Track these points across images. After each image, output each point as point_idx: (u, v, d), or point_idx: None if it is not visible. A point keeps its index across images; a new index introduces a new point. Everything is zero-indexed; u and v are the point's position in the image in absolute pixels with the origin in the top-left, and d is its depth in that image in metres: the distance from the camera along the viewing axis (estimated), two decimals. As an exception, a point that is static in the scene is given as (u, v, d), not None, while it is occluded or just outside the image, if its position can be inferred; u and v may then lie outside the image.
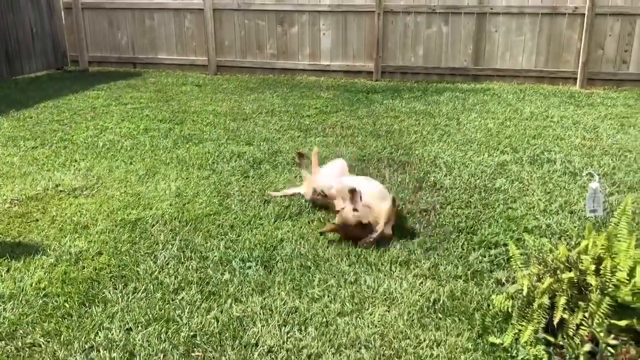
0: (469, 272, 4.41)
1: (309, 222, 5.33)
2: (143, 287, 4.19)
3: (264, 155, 7.37)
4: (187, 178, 6.58)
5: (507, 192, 6.04)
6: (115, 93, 11.64)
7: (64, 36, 14.68)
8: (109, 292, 4.14)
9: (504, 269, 4.45)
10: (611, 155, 7.31)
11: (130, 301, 4.03)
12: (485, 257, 4.65)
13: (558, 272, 3.27)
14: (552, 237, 4.97)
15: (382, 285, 4.20)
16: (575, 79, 12.02)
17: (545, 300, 3.16)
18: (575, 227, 5.17)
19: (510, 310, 3.47)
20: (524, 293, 3.32)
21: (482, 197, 5.89)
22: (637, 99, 10.73)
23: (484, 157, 7.21)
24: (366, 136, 8.34)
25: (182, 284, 4.24)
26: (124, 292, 4.15)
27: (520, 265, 3.62)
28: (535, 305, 3.17)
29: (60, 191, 6.18)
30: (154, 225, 5.27)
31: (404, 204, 5.76)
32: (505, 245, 4.81)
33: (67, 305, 3.97)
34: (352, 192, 4.92)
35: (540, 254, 3.54)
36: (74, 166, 7.05)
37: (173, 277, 4.35)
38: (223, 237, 5.02)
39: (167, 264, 4.56)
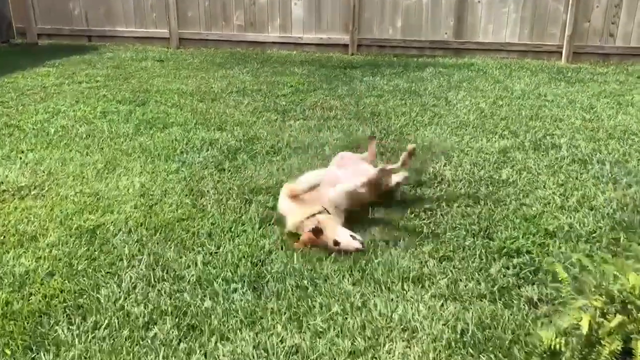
0: (494, 289, 3.76)
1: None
2: (106, 322, 3.41)
3: (239, 143, 6.56)
4: (153, 172, 5.73)
5: (516, 185, 5.40)
6: (68, 70, 10.55)
7: (8, 5, 13.32)
8: (63, 331, 3.34)
9: (532, 284, 3.82)
10: (617, 139, 6.75)
11: (90, 342, 3.25)
12: (508, 268, 4.00)
13: (631, 307, 2.63)
14: (579, 241, 4.35)
15: (396, 310, 3.52)
16: (561, 53, 11.48)
17: (618, 345, 2.52)
18: (601, 227, 4.56)
19: (562, 348, 2.82)
20: (584, 332, 2.66)
21: (490, 192, 5.23)
22: (627, 75, 10.23)
23: (482, 143, 6.56)
24: (350, 119, 7.59)
25: (154, 316, 3.47)
26: (81, 328, 3.36)
27: (571, 294, 2.96)
28: (606, 351, 2.52)
29: (3, 191, 5.28)
30: (116, 235, 4.45)
31: (404, 202, 5.07)
32: (528, 253, 4.18)
33: (8, 352, 3.16)
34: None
35: (599, 281, 2.88)
36: (20, 159, 6.11)
37: (142, 305, 3.57)
38: (200, 249, 4.24)
39: (134, 288, 3.77)
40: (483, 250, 4.23)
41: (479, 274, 3.94)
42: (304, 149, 6.34)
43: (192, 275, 3.89)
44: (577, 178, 5.60)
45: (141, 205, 4.96)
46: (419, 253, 4.20)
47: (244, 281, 3.82)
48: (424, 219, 4.73)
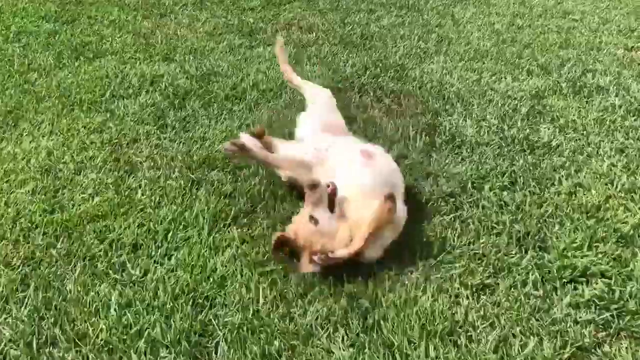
0: (564, 354, 2.43)
1: (267, 230, 3.14)
2: None
3: (191, 82, 4.95)
4: (68, 130, 4.17)
5: (562, 151, 3.99)
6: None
7: None
8: None
9: (623, 340, 2.51)
10: (676, 76, 5.29)
11: None
12: (579, 308, 2.69)
13: None
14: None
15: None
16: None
17: None
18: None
19: None
20: None
21: (529, 164, 3.83)
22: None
23: (508, 83, 5.05)
24: (335, 45, 5.97)
25: None
26: None
27: None
28: None
29: None
30: (-6, 247, 2.97)
31: (415, 180, 3.64)
32: (604, 276, 2.85)
33: None
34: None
35: None
36: None
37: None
38: (117, 275, 2.81)
39: (7, 362, 2.36)
40: (537, 273, 2.88)
41: (537, 322, 2.61)
42: (276, 92, 4.76)
43: (101, 340, 2.47)
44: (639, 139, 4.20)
45: (42, 191, 3.46)
46: (445, 280, 2.83)
47: (179, 349, 2.42)
48: (445, 214, 3.32)
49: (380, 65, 5.40)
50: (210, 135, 4.12)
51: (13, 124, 4.25)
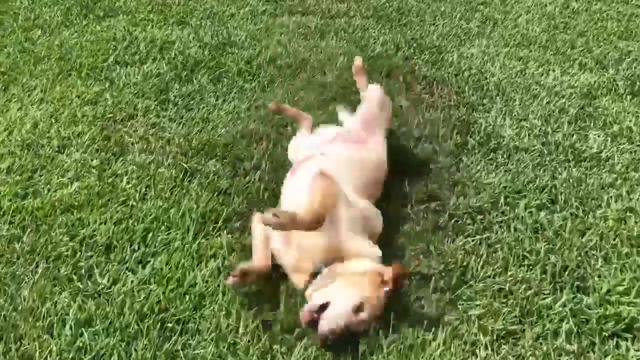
0: None
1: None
2: None
3: (203, 52, 4.50)
4: (60, 99, 3.79)
5: (613, 166, 3.45)
6: None
7: None
8: None
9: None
10: None
11: None
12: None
13: None
14: None
15: None
16: None
17: None
18: None
19: None
20: None
21: (574, 179, 3.31)
22: None
23: (556, 76, 4.47)
24: (368, 18, 5.42)
25: None
26: None
27: None
28: None
29: None
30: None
31: (439, 189, 3.15)
32: (656, 336, 2.36)
33: None
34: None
35: None
36: None
37: None
38: (80, 290, 2.44)
39: None
40: (572, 321, 2.40)
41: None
42: (295, 70, 4.28)
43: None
44: None
45: (18, 170, 3.10)
46: (462, 321, 2.38)
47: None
48: (469, 235, 2.85)
49: (415, 45, 4.86)
50: (214, 116, 3.69)
51: (3, 88, 3.90)
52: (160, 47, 4.54)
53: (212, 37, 4.75)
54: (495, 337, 2.34)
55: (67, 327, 2.23)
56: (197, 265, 2.56)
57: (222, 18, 5.19)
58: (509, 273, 2.64)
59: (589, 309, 2.48)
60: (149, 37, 4.68)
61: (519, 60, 4.70)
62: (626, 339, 2.36)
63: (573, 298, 2.54)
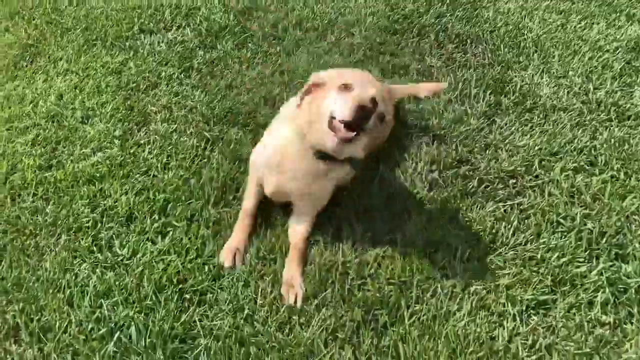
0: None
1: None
2: None
3: (228, 17, 4.39)
4: (85, 69, 3.77)
5: (661, 127, 3.21)
6: None
7: None
8: None
9: None
10: None
11: None
12: (660, 346, 2.07)
13: None
14: None
15: None
16: None
17: None
18: None
19: None
20: None
21: (617, 139, 3.11)
22: None
23: (600, 29, 4.20)
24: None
25: None
26: None
27: None
28: None
29: None
30: (-21, 207, 2.66)
31: (470, 152, 3.01)
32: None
33: None
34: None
35: None
36: None
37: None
38: (100, 261, 2.43)
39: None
40: (609, 291, 2.27)
41: (602, 361, 2.03)
42: (321, 33, 4.14)
43: (66, 334, 2.11)
44: None
45: (42, 142, 3.11)
46: (489, 291, 2.28)
47: (153, 357, 2.03)
48: (500, 200, 2.71)
49: (448, 1, 4.62)
50: (237, 82, 3.61)
51: (30, 60, 3.90)
52: (186, 13, 4.45)
53: (238, 1, 4.62)
54: (524, 308, 2.23)
55: (87, 298, 2.23)
56: (217, 235, 2.51)
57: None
58: (542, 240, 2.51)
59: (628, 278, 2.34)
60: (174, 3, 4.59)
61: (560, 14, 4.42)
62: (667, 309, 2.21)
63: (610, 266, 2.40)
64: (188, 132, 3.16)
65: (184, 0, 4.63)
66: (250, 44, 4.04)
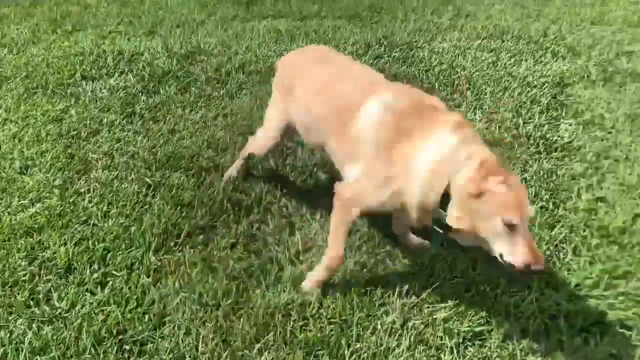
0: None
1: (224, 251, 2.68)
2: None
3: (171, 61, 4.45)
4: (25, 118, 3.74)
5: (584, 155, 3.42)
6: None
7: None
8: None
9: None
10: None
11: None
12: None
13: None
14: None
15: None
16: None
17: None
18: None
19: None
20: None
21: (545, 171, 3.27)
22: None
23: (528, 66, 4.44)
24: (339, 18, 5.43)
25: None
26: None
27: None
28: None
29: None
30: None
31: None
32: (622, 326, 2.33)
33: None
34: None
35: None
36: None
37: None
38: (37, 316, 2.39)
39: None
40: (540, 320, 2.36)
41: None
42: (264, 75, 4.23)
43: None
44: (679, 141, 3.58)
45: (-18, 191, 3.04)
46: (427, 324, 2.33)
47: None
48: (440, 277, 2.79)
49: (386, 42, 4.82)
50: (180, 127, 3.65)
51: (-32, 109, 3.84)
52: (128, 59, 4.50)
53: (182, 46, 4.70)
54: (461, 340, 2.30)
55: (22, 356, 2.18)
56: (157, 283, 2.51)
57: (192, 26, 5.15)
58: (477, 271, 2.60)
59: (558, 305, 2.44)
60: (116, 49, 4.63)
61: (491, 52, 4.67)
62: (594, 335, 2.32)
63: (542, 295, 2.49)
64: (129, 178, 3.16)
65: (127, 46, 4.67)
66: (193, 88, 4.10)
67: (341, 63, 2.79)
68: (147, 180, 3.12)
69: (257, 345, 2.24)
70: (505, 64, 4.46)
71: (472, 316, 2.39)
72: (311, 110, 2.63)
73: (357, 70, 2.74)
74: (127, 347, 2.23)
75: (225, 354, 2.21)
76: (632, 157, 3.40)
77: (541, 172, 3.25)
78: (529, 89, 4.10)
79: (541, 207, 3.00)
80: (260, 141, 2.93)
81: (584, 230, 2.83)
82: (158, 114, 3.80)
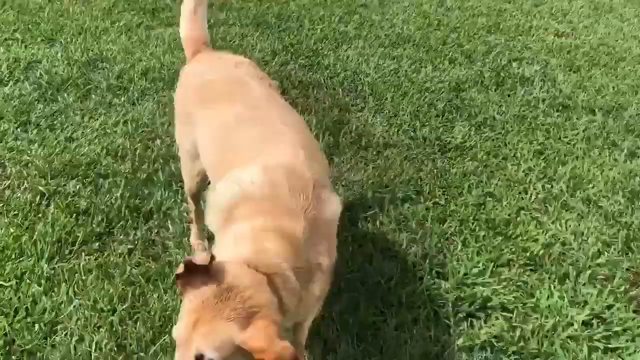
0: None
1: (120, 257, 2.64)
2: None
3: (71, 69, 4.32)
4: None
5: (475, 155, 3.63)
6: None
7: None
8: None
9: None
10: (601, 66, 5.00)
11: None
12: (472, 353, 2.31)
13: None
14: (591, 276, 2.69)
15: None
16: None
17: None
18: (614, 244, 2.91)
19: None
20: None
21: (439, 170, 3.44)
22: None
23: (427, 72, 4.64)
24: (247, 25, 5.41)
25: None
26: None
27: None
28: None
29: None
30: None
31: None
32: (504, 309, 2.48)
33: None
34: None
35: None
36: None
37: None
38: None
39: None
40: (430, 308, 2.48)
41: (423, 372, 2.21)
42: (168, 82, 4.20)
43: None
44: (560, 138, 3.87)
45: None
46: (323, 319, 2.39)
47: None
48: (338, 272, 2.87)
49: (292, 50, 4.90)
50: (79, 134, 3.55)
51: None
52: (25, 67, 4.33)
53: (83, 54, 4.58)
54: (355, 332, 2.37)
55: None
56: (50, 291, 2.44)
57: (94, 34, 5.02)
58: (373, 266, 2.69)
59: (447, 293, 2.57)
60: (12, 56, 4.45)
61: (393, 60, 4.85)
62: (479, 318, 2.47)
63: (432, 284, 2.62)
64: (22, 187, 3.05)
65: (23, 54, 4.50)
66: (94, 95, 4.01)
67: (251, 102, 2.25)
68: (41, 189, 3.02)
69: (153, 348, 2.22)
70: (406, 70, 4.65)
71: (367, 309, 2.47)
72: (207, 157, 2.27)
73: (263, 116, 2.17)
74: (14, 358, 2.15)
75: (120, 357, 2.18)
76: (519, 155, 3.64)
77: (435, 170, 3.41)
78: (427, 94, 4.29)
79: (434, 204, 3.15)
80: (186, 179, 2.61)
81: (473, 223, 3.01)
82: (55, 122, 3.68)
